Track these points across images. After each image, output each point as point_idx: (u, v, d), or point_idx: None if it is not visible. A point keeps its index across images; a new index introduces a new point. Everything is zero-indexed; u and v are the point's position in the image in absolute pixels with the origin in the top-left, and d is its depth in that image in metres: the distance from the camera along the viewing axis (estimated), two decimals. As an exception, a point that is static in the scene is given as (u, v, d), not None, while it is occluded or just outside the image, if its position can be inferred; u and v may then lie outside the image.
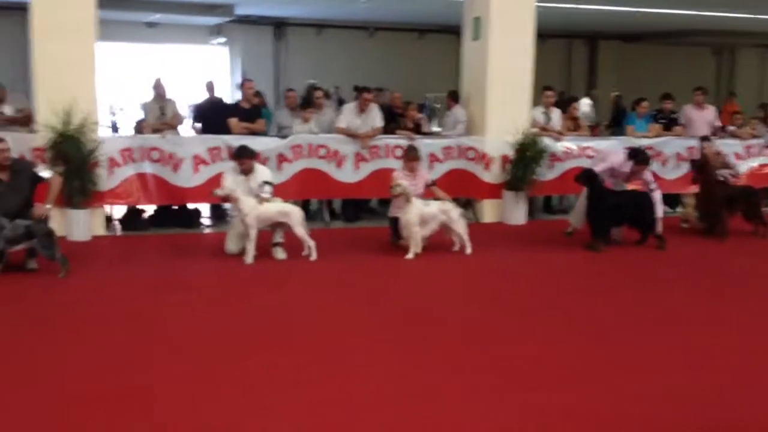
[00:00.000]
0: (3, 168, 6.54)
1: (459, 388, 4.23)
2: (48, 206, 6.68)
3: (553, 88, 10.68)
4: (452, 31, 13.29)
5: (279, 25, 18.44)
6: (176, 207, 9.21)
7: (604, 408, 4.01)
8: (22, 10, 14.90)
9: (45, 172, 6.77)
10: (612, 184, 8.25)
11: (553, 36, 18.28)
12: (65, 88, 7.95)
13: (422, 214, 7.58)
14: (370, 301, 6.06)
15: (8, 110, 8.51)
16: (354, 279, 6.88)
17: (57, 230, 6.80)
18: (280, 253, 7.42)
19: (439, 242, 7.83)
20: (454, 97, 10.31)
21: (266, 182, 7.37)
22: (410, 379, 4.33)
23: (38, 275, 6.52)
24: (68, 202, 7.95)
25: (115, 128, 13.58)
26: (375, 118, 9.36)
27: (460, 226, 7.79)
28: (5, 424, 3.66)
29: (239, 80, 17.27)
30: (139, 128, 9.13)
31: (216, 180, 8.11)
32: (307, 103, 9.80)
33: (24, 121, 8.46)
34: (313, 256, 7.32)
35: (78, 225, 8.10)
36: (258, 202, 7.18)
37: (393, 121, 9.80)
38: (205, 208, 9.70)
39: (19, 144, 7.61)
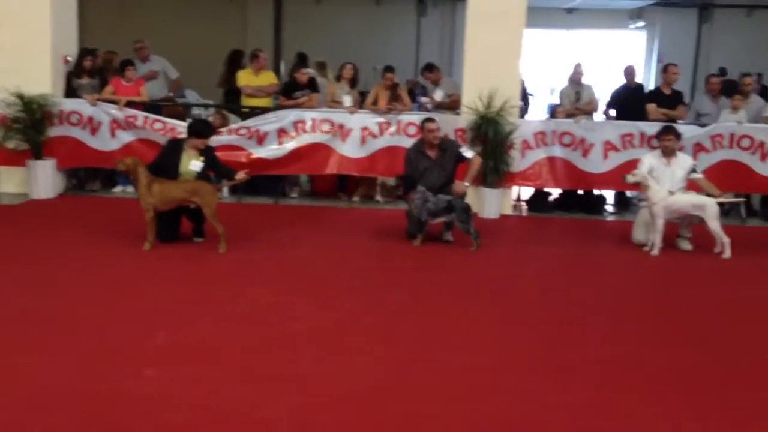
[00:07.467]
0: (432, 146, 7.16)
1: None
2: (467, 184, 7.15)
3: None
4: None
5: (705, 7, 17.32)
6: (581, 192, 9.26)
7: None
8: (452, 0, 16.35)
9: (468, 152, 7.25)
10: None
11: None
12: (491, 73, 8.48)
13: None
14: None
15: (439, 95, 9.32)
16: (764, 282, 6.28)
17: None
18: (686, 245, 7.13)
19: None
20: None
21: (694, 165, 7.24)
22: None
23: (453, 247, 7.05)
24: (483, 181, 8.46)
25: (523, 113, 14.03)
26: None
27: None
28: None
29: (656, 65, 16.71)
30: (554, 113, 9.31)
31: (626, 167, 8.01)
32: (732, 90, 9.10)
33: (452, 106, 9.19)
34: (727, 254, 6.82)
35: (489, 203, 8.58)
36: (669, 193, 6.90)
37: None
38: (609, 195, 9.61)
39: (445, 125, 8.30)
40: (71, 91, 8.98)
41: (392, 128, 8.79)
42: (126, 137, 8.83)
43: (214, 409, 3.48)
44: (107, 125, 8.82)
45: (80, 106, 8.82)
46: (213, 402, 3.56)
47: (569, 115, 8.93)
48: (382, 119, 8.81)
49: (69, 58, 9.04)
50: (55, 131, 8.77)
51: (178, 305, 5.01)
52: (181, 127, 8.46)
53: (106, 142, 8.85)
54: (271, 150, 8.82)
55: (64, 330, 4.47)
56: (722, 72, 13.04)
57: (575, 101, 9.11)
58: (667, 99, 8.95)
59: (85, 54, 9.02)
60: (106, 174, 9.35)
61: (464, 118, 8.66)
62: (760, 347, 4.63)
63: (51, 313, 4.76)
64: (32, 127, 8.56)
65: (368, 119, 8.84)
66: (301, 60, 10.39)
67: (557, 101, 9.72)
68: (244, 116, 9.15)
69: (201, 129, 6.80)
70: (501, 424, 3.46)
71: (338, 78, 9.45)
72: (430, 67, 9.65)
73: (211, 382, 3.79)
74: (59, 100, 8.79)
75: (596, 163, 8.73)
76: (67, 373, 3.84)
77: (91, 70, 9.04)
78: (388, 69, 9.08)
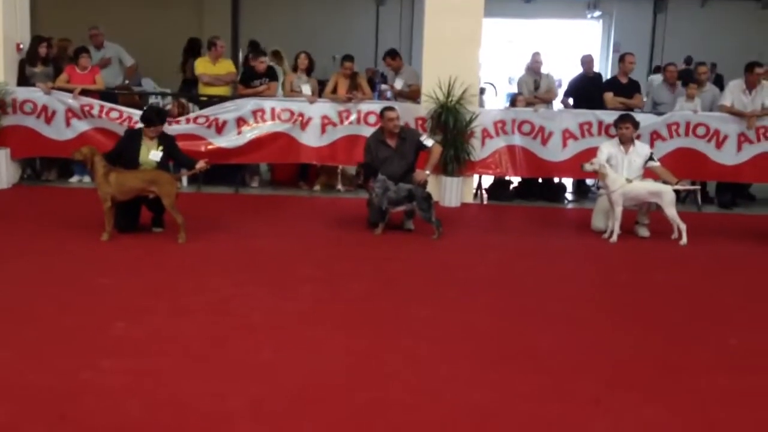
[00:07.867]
0: (392, 135, 7.15)
1: None
2: (427, 172, 7.16)
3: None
4: None
5: (660, -2, 17.62)
6: (541, 180, 9.35)
7: None
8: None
9: (429, 141, 7.26)
10: None
11: None
12: (451, 63, 8.50)
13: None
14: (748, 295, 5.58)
15: (399, 84, 9.30)
16: (719, 268, 6.40)
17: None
18: (643, 231, 7.23)
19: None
20: None
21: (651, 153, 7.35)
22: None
23: (415, 235, 7.06)
24: (443, 169, 8.49)
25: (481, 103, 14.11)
26: (766, 96, 8.56)
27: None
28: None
29: (612, 54, 16.92)
30: (513, 102, 9.38)
31: (584, 155, 8.10)
32: (688, 78, 9.26)
33: (411, 95, 9.18)
34: (683, 240, 6.94)
35: (450, 192, 8.62)
36: (627, 181, 7.00)
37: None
38: (569, 183, 9.71)
39: (405, 113, 8.30)
40: (24, 80, 8.79)
41: (352, 117, 8.77)
42: (82, 126, 8.69)
43: (174, 401, 3.44)
44: (62, 114, 8.67)
45: (34, 94, 8.64)
46: (172, 394, 3.52)
47: (528, 104, 9.00)
48: (341, 108, 8.78)
49: (21, 46, 8.83)
50: (8, 120, 8.59)
51: (137, 296, 4.93)
52: (137, 116, 8.33)
53: (61, 131, 8.69)
54: (230, 139, 8.74)
55: (19, 321, 4.37)
56: (687, 61, 13.26)
57: (534, 90, 9.18)
58: (624, 88, 9.08)
59: (38, 41, 8.82)
60: (63, 164, 9.18)
61: (424, 107, 8.67)
62: (719, 332, 4.71)
63: (5, 304, 4.65)
64: (-16, 116, 8.38)
65: (328, 108, 8.80)
66: (255, 48, 10.27)
67: (515, 90, 9.78)
68: (202, 105, 9.05)
69: (151, 117, 6.67)
70: (468, 413, 3.46)
71: (294, 68, 9.36)
72: (392, 54, 9.55)
73: (171, 373, 3.74)
74: (12, 89, 8.61)
75: (555, 152, 8.81)
76: (22, 364, 3.76)
77: (45, 57, 8.85)
78: (348, 58, 9.05)
